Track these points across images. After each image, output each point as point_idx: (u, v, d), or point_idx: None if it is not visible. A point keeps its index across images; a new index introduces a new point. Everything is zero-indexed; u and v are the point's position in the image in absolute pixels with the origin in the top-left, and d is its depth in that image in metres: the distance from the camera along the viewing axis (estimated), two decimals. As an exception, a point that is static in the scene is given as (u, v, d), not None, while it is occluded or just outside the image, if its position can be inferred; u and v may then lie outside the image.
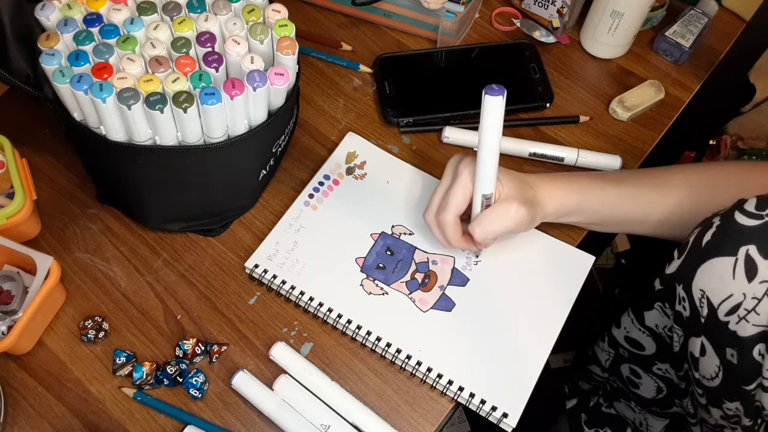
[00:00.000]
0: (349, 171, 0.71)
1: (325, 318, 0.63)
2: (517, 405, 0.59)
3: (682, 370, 0.64)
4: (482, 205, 0.60)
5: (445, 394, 0.61)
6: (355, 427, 0.59)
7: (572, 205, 0.64)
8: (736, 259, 0.50)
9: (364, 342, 0.62)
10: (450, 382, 0.60)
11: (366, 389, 0.62)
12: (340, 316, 0.62)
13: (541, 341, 0.62)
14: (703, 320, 0.53)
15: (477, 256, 0.66)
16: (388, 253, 0.66)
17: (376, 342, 0.61)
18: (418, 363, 0.61)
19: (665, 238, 0.65)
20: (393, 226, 0.68)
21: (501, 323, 0.63)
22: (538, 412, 0.88)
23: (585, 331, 0.87)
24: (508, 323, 0.63)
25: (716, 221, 0.52)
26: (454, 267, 0.66)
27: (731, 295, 0.50)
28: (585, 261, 0.67)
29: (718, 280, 0.51)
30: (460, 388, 0.60)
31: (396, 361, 0.62)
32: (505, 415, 0.58)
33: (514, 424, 0.58)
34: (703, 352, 0.55)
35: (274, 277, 0.64)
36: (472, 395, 0.59)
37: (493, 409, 0.59)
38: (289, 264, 0.65)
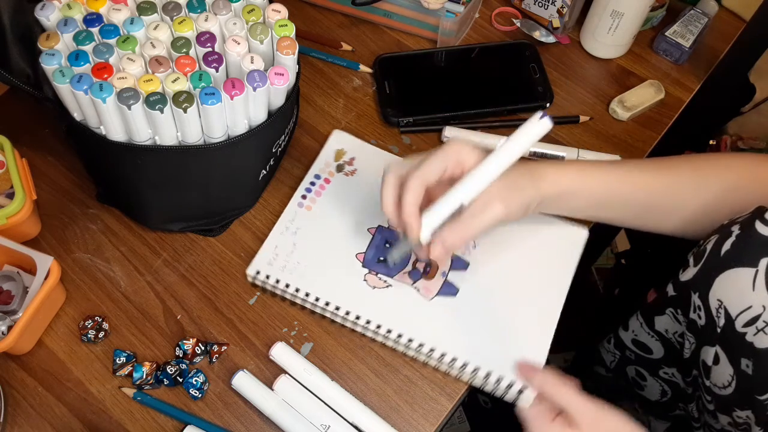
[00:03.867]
0: (339, 168, 0.71)
1: (332, 317, 0.63)
2: None
3: (690, 376, 0.63)
4: (452, 211, 0.55)
5: (461, 377, 0.61)
6: (355, 427, 0.59)
7: (571, 184, 0.58)
8: (757, 271, 0.49)
9: (374, 336, 0.63)
10: (464, 365, 0.60)
11: (366, 389, 0.62)
12: (348, 313, 0.63)
13: (547, 314, 0.63)
14: (719, 330, 0.53)
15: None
16: (387, 245, 0.67)
17: (387, 334, 0.62)
18: (431, 350, 0.61)
19: (665, 232, 0.64)
20: (389, 219, 0.68)
21: (506, 301, 0.64)
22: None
23: (585, 332, 0.86)
24: (513, 301, 0.64)
25: (735, 230, 0.52)
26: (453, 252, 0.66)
27: (750, 307, 0.50)
28: (580, 234, 0.67)
29: (737, 291, 0.50)
30: (475, 370, 0.60)
31: (409, 352, 0.62)
32: (521, 391, 0.59)
33: (531, 399, 0.59)
34: (716, 361, 0.54)
35: (278, 281, 0.64)
36: (487, 375, 0.60)
37: (510, 386, 0.59)
38: (291, 266, 0.65)
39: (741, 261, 0.50)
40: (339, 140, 0.73)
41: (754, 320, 0.50)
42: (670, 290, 0.59)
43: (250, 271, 0.65)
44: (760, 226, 0.50)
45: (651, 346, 0.67)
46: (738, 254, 0.51)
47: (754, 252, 0.50)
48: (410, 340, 0.61)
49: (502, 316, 0.63)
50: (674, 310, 0.61)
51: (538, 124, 0.53)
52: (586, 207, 0.62)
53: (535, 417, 0.53)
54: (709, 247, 0.53)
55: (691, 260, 0.55)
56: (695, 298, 0.55)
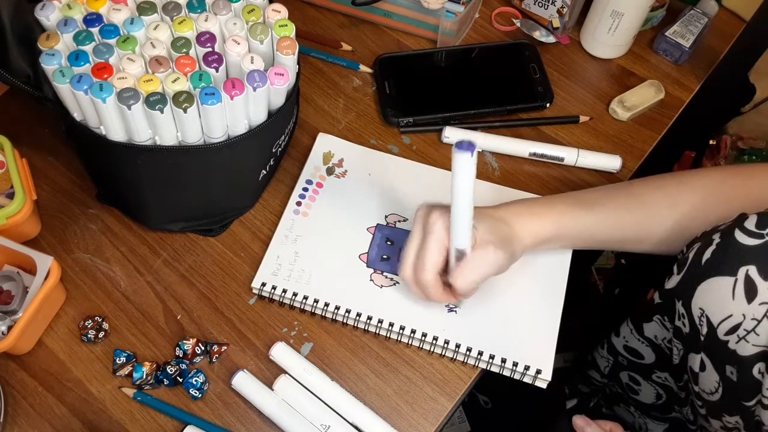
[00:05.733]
0: (330, 171, 0.71)
1: (344, 320, 0.64)
2: (546, 360, 0.61)
3: (682, 380, 0.63)
4: (456, 257, 0.58)
5: (478, 365, 0.62)
6: (355, 427, 0.59)
7: (549, 234, 0.62)
8: (736, 280, 0.49)
9: (388, 334, 0.63)
10: (480, 353, 0.61)
11: (366, 389, 0.62)
12: (359, 315, 0.63)
13: (553, 294, 0.64)
14: (702, 338, 0.53)
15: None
16: (389, 243, 0.67)
17: (401, 331, 0.62)
18: (446, 342, 0.62)
19: (653, 254, 0.64)
20: (386, 216, 0.68)
21: (511, 287, 0.64)
22: (538, 412, 0.88)
23: (585, 332, 0.86)
24: (519, 284, 0.65)
25: (716, 238, 0.52)
26: None
27: (731, 316, 0.50)
28: None
29: (718, 300, 0.51)
30: (491, 357, 0.61)
31: (424, 345, 0.63)
32: (538, 372, 0.60)
33: (549, 378, 0.60)
34: (702, 367, 0.54)
35: (285, 291, 0.64)
36: (503, 360, 0.61)
37: (527, 368, 0.60)
38: (296, 275, 0.65)
39: (721, 270, 0.50)
40: (325, 143, 0.73)
41: (735, 328, 0.50)
42: (656, 297, 0.60)
43: (255, 283, 0.64)
44: (739, 235, 0.50)
45: (642, 351, 0.67)
46: (718, 263, 0.51)
47: (733, 261, 0.50)
48: (424, 335, 0.62)
49: (509, 302, 0.64)
50: (661, 317, 0.61)
51: (463, 158, 0.51)
52: (567, 247, 0.66)
53: None
54: (691, 255, 0.53)
55: (675, 268, 0.55)
56: (679, 306, 0.55)
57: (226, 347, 0.63)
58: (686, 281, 0.54)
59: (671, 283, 0.56)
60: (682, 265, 0.54)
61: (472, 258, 0.57)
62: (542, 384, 0.61)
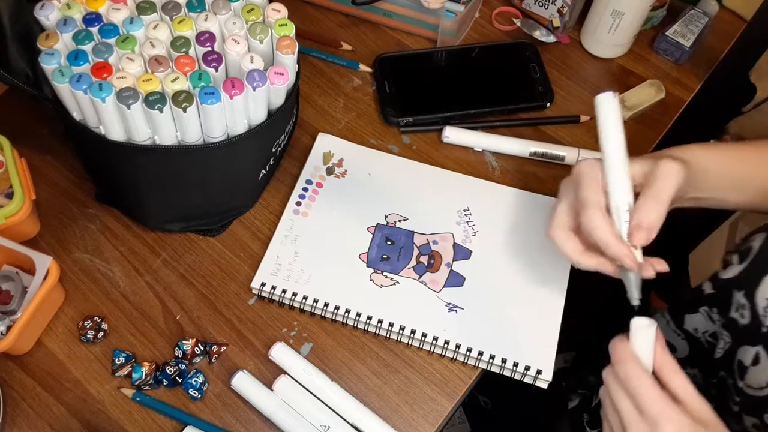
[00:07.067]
0: (329, 171, 0.71)
1: (344, 320, 0.64)
2: (547, 360, 0.61)
3: (716, 376, 0.62)
4: (621, 215, 0.52)
5: (478, 366, 0.62)
6: (355, 428, 0.59)
7: (699, 160, 0.53)
8: None
9: (388, 334, 0.63)
10: (481, 353, 0.61)
11: (366, 389, 0.61)
12: (359, 314, 0.63)
13: (554, 294, 0.64)
14: (765, 329, 0.52)
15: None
16: (389, 243, 0.67)
17: (400, 331, 0.62)
18: (446, 342, 0.61)
19: (740, 207, 0.59)
20: (386, 216, 0.68)
21: (512, 286, 0.65)
22: (538, 413, 0.88)
23: (585, 332, 0.86)
24: (519, 284, 0.65)
25: None
26: (454, 242, 0.67)
27: None
28: None
29: None
30: (491, 357, 0.61)
31: (424, 346, 0.63)
32: (539, 372, 0.60)
33: (549, 378, 0.60)
34: (756, 361, 0.53)
35: (284, 291, 0.64)
36: (504, 361, 0.61)
37: (527, 369, 0.60)
38: (296, 275, 0.65)
39: None
40: (325, 143, 0.73)
41: None
42: (708, 288, 0.58)
43: (255, 283, 0.64)
44: None
45: (676, 345, 0.66)
46: None
47: None
48: (424, 335, 0.62)
49: (510, 301, 0.64)
50: (709, 308, 0.60)
51: (605, 99, 0.53)
52: (716, 188, 0.57)
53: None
54: (756, 245, 0.52)
55: (735, 258, 0.54)
56: (739, 297, 0.54)
57: (225, 347, 0.63)
58: (750, 271, 0.52)
59: (730, 273, 0.54)
60: (744, 255, 0.53)
61: (655, 180, 0.51)
62: (543, 384, 0.61)
